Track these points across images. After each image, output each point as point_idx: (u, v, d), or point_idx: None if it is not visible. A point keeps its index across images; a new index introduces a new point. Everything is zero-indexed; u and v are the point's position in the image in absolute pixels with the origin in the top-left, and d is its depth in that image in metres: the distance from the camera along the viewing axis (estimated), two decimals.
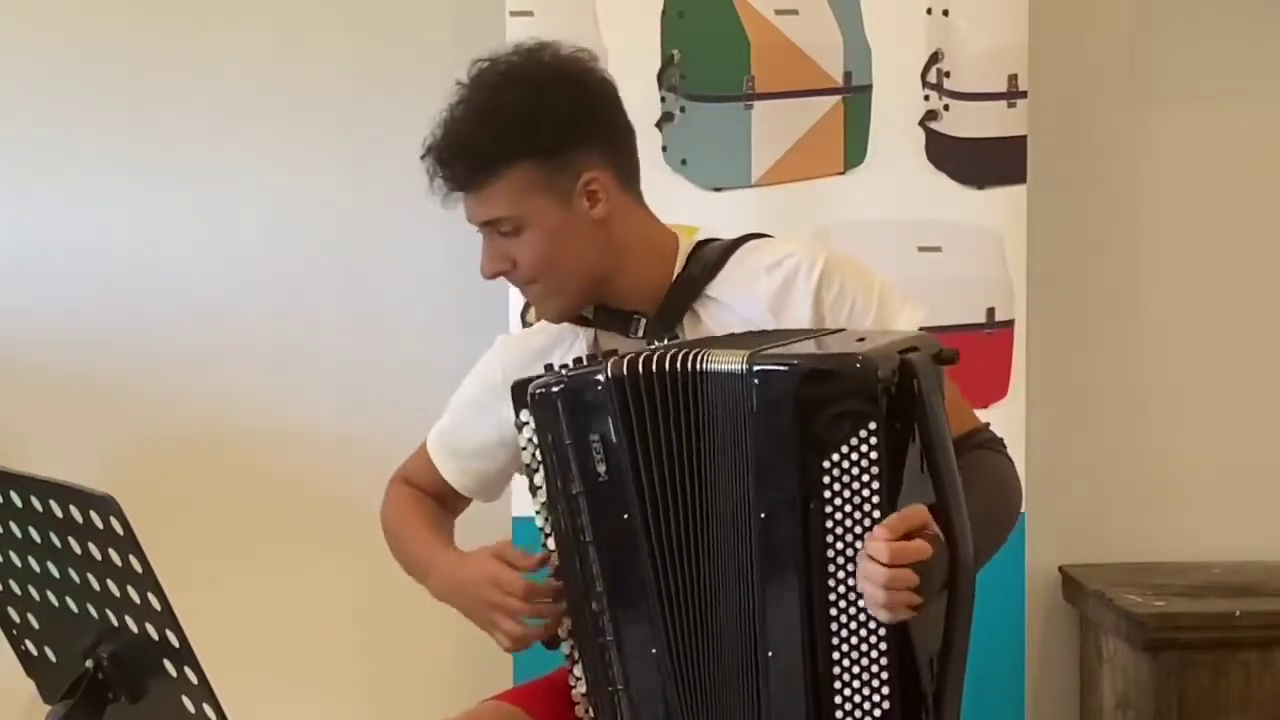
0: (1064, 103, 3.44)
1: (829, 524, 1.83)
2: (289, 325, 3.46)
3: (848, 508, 1.83)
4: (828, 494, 1.83)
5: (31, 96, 3.42)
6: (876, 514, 1.82)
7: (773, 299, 2.13)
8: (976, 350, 3.16)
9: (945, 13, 3.18)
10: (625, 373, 1.94)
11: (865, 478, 1.82)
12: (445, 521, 2.39)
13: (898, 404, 1.83)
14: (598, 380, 1.96)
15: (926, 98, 3.18)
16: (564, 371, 2.04)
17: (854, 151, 3.19)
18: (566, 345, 2.24)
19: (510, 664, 3.06)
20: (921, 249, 3.18)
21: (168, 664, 1.78)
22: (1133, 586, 3.28)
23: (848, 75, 3.18)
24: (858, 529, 1.83)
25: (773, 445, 1.85)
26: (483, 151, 2.11)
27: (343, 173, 3.46)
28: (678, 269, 2.19)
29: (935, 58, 3.19)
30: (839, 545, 1.84)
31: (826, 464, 1.82)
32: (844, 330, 2.07)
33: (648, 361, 1.93)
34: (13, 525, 1.87)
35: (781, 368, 1.86)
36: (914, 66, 3.18)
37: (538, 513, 2.09)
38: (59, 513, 1.79)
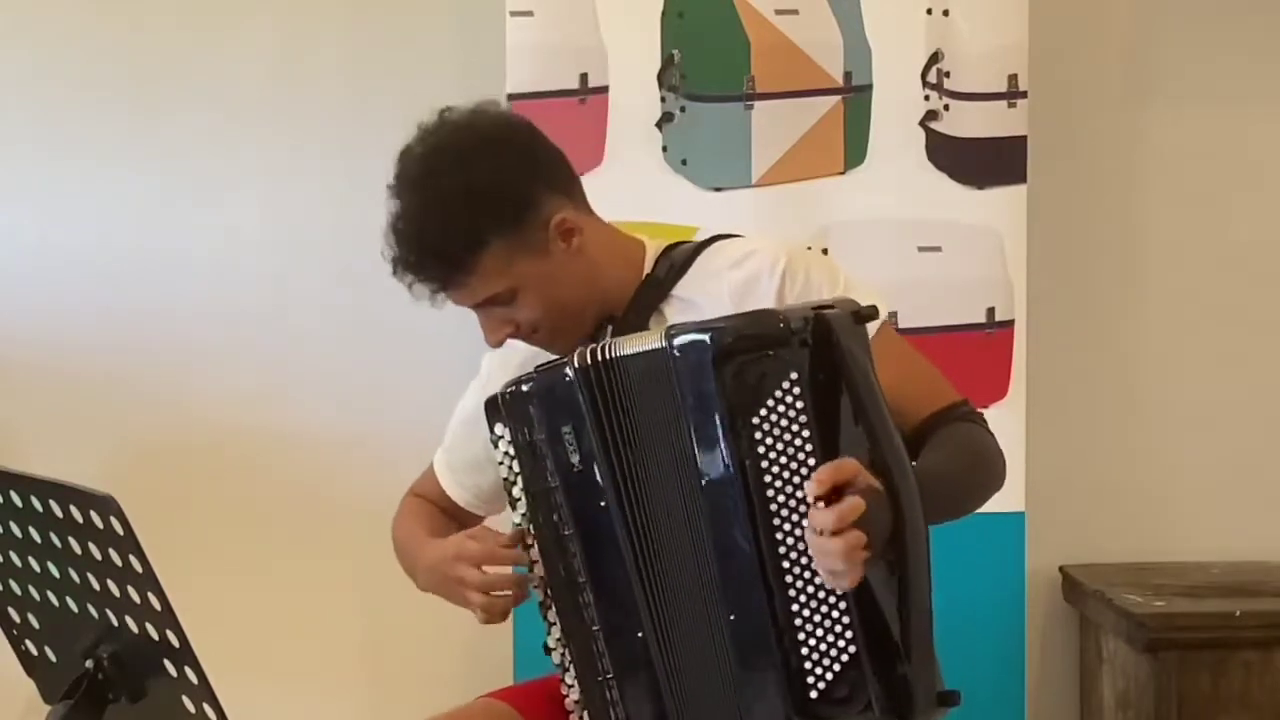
0: (1064, 103, 3.44)
1: (766, 478, 1.86)
2: (289, 325, 3.46)
3: (783, 459, 1.85)
4: (761, 449, 1.85)
5: (31, 96, 3.43)
6: (812, 461, 1.84)
7: (736, 295, 2.13)
8: (976, 350, 3.17)
9: (945, 13, 3.18)
10: (590, 362, 1.98)
11: (795, 427, 1.85)
12: (447, 527, 2.39)
13: (818, 355, 1.86)
14: (565, 373, 2.00)
15: (926, 98, 3.18)
16: (531, 372, 2.07)
17: (854, 151, 3.19)
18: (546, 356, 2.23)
19: (510, 665, 3.07)
20: (921, 249, 3.18)
21: (168, 664, 1.78)
22: (1133, 586, 3.28)
23: (848, 75, 3.18)
24: (795, 479, 1.85)
25: (702, 411, 1.89)
26: (450, 249, 2.09)
27: (343, 172, 3.46)
28: (646, 271, 2.21)
29: (935, 58, 3.19)
30: (780, 498, 1.86)
31: (755, 420, 1.85)
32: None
33: (604, 350, 1.98)
34: (13, 525, 1.87)
35: (697, 335, 1.90)
36: (914, 66, 3.18)
37: (517, 524, 2.10)
38: (59, 513, 1.79)
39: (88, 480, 1.79)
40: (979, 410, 2.16)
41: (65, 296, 3.44)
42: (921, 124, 3.19)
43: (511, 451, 2.08)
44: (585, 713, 2.08)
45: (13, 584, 1.95)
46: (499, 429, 2.09)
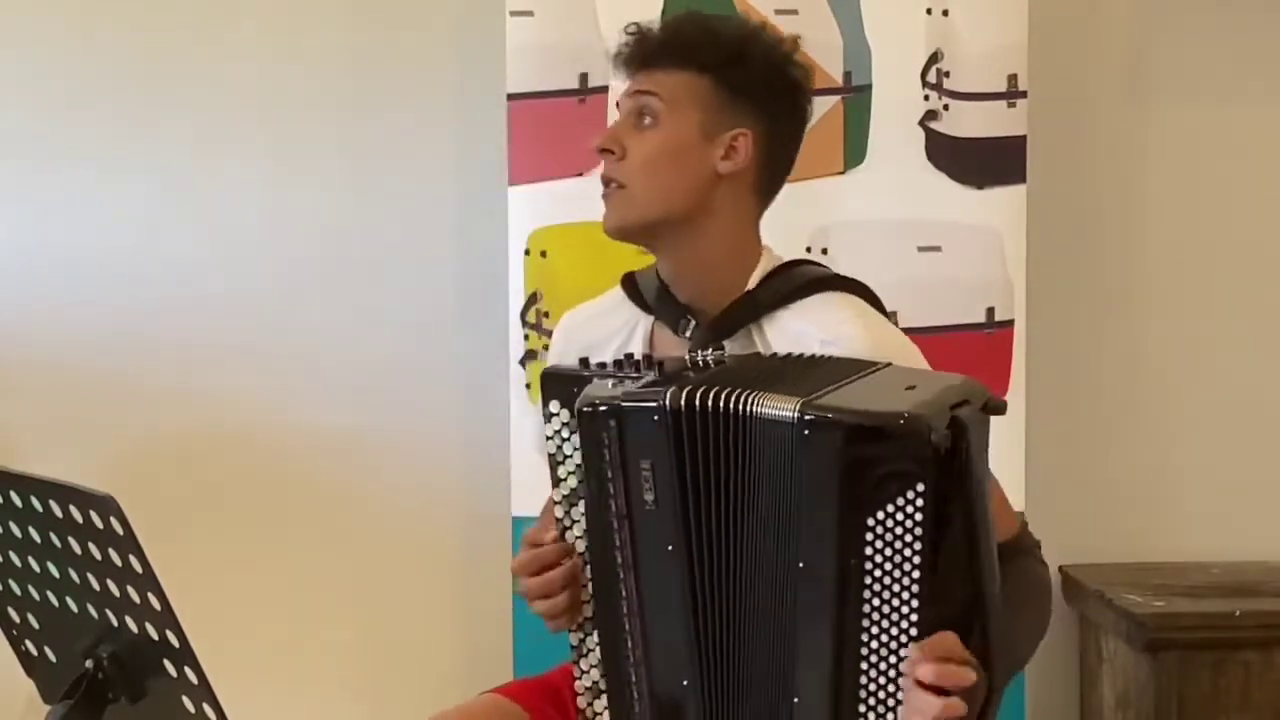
0: (1064, 103, 3.44)
1: (867, 580, 1.81)
2: (289, 324, 3.46)
3: (888, 565, 1.80)
4: (869, 550, 1.80)
5: (31, 96, 3.43)
6: (916, 574, 1.80)
7: None
8: (976, 350, 3.16)
9: (945, 13, 3.18)
10: (683, 405, 1.90)
11: (908, 538, 1.79)
12: None
13: (946, 465, 1.80)
14: (653, 408, 1.91)
15: (926, 98, 3.18)
16: (610, 382, 1.99)
17: (854, 151, 3.19)
18: (625, 336, 2.24)
19: (510, 662, 3.07)
20: (921, 249, 3.18)
21: (168, 664, 1.78)
22: (1133, 586, 3.28)
23: (848, 75, 3.18)
24: (895, 586, 1.81)
25: (819, 498, 1.83)
26: (684, 40, 2.16)
27: (343, 172, 3.46)
28: (752, 283, 2.17)
29: (935, 58, 3.19)
30: (875, 602, 1.82)
31: (871, 521, 1.80)
32: (893, 368, 2.03)
33: (704, 396, 1.89)
34: (13, 525, 1.87)
35: (832, 421, 1.82)
36: (914, 66, 3.18)
37: (558, 503, 2.08)
38: (59, 513, 1.79)
39: (88, 480, 1.79)
40: (1036, 539, 2.21)
41: (65, 296, 3.44)
42: (921, 124, 3.19)
43: (565, 435, 2.04)
44: (609, 714, 2.06)
45: (13, 584, 1.95)
46: (554, 406, 2.05)
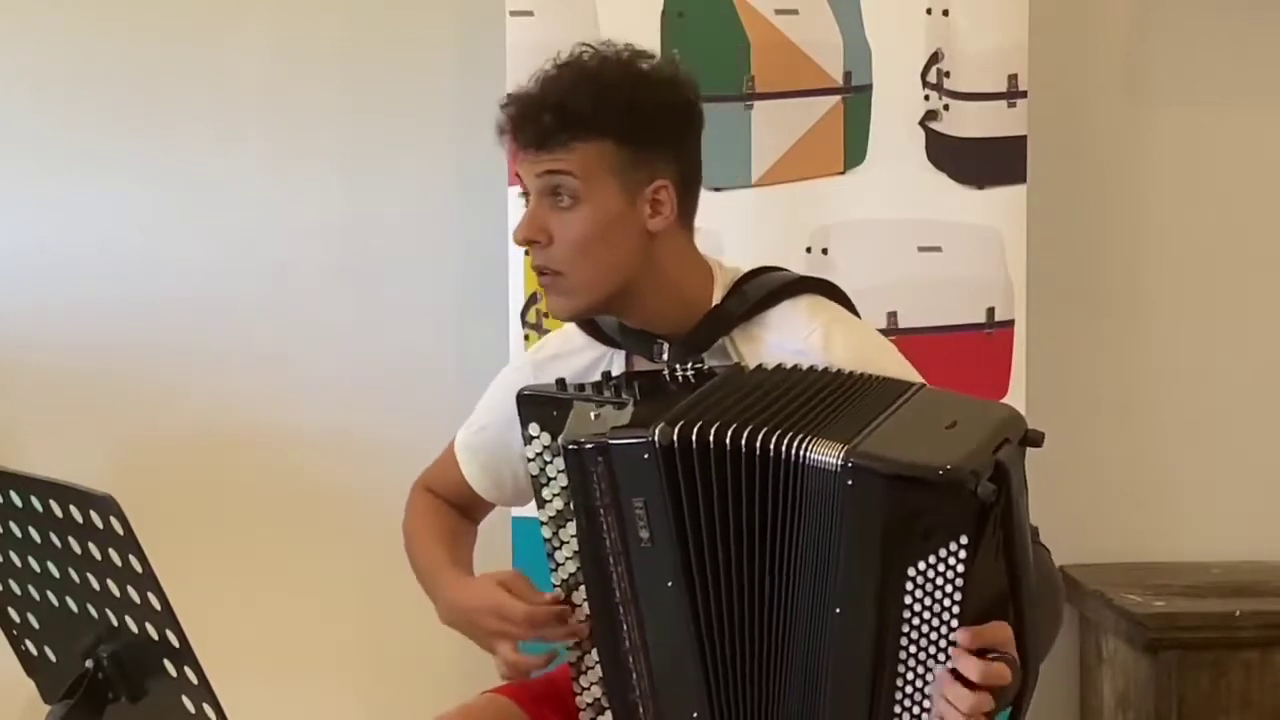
0: (1064, 103, 3.44)
1: (905, 628, 1.80)
2: (289, 324, 3.46)
3: (926, 614, 1.79)
4: (908, 599, 1.79)
5: (32, 97, 3.43)
6: (955, 623, 1.79)
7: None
8: (976, 350, 3.16)
9: (945, 13, 3.18)
10: (676, 441, 1.87)
11: (949, 588, 1.78)
12: (463, 532, 2.37)
13: (990, 514, 1.80)
14: (642, 444, 1.88)
15: (926, 98, 3.18)
16: (591, 411, 1.96)
17: (854, 151, 3.19)
18: (601, 369, 2.20)
19: None
20: (921, 249, 3.18)
21: (168, 664, 1.79)
22: (1133, 586, 3.28)
23: (848, 75, 3.18)
24: (933, 634, 1.80)
25: (860, 545, 1.80)
26: (577, 112, 2.05)
27: (343, 172, 3.46)
28: (716, 298, 2.15)
29: (935, 58, 3.19)
30: (911, 649, 1.81)
31: (912, 571, 1.78)
32: (925, 394, 1.99)
33: (703, 432, 1.86)
34: (13, 525, 1.87)
35: (878, 472, 1.79)
36: (914, 66, 3.18)
37: (544, 524, 2.06)
38: (59, 513, 1.79)
39: (88, 480, 1.79)
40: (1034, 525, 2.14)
41: (65, 296, 3.44)
42: (921, 124, 3.19)
43: (547, 458, 2.02)
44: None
45: (13, 584, 1.95)
46: (534, 429, 2.03)
